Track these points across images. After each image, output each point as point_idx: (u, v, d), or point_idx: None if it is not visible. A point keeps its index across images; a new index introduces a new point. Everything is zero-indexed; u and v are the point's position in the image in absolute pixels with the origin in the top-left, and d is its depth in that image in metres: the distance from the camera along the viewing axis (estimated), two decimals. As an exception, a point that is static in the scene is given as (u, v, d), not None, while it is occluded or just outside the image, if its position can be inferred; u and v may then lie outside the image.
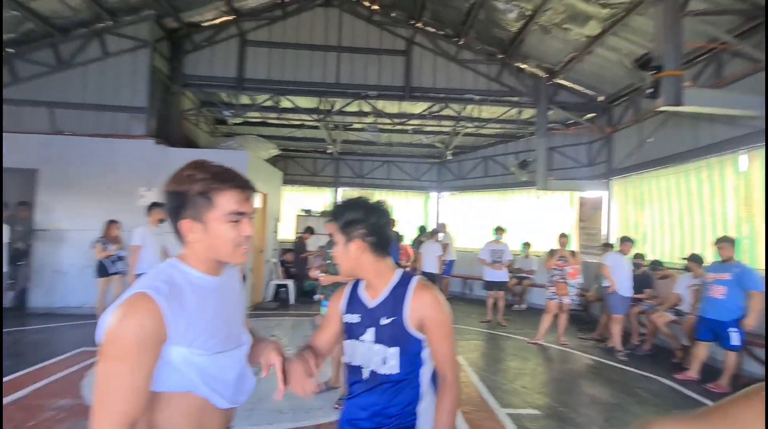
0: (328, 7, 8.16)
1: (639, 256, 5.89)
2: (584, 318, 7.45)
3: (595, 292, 6.65)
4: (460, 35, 7.96)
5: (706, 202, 5.50)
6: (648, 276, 5.84)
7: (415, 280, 1.28)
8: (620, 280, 5.26)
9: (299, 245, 8.39)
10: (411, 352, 1.24)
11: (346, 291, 1.35)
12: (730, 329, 4.02)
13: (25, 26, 6.45)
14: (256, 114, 9.28)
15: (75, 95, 7.06)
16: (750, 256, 4.79)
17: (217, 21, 7.99)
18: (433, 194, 11.65)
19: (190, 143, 8.66)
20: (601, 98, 7.95)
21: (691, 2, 4.72)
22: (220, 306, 1.01)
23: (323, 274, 3.69)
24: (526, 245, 8.59)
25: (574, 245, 7.91)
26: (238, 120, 9.54)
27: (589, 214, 7.98)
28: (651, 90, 4.61)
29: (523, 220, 9.48)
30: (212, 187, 0.97)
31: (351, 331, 1.29)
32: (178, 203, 0.97)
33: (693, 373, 4.39)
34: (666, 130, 6.26)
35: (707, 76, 5.54)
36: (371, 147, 11.23)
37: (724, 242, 4.25)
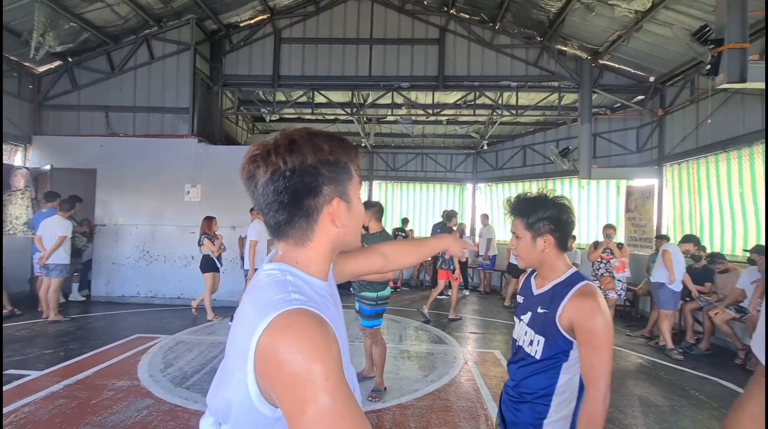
0: (360, 0, 8.14)
1: (700, 249, 5.39)
2: (633, 314, 7.03)
3: (644, 285, 6.25)
4: (496, 20, 7.67)
5: (774, 188, 4.96)
6: (708, 270, 5.39)
7: (582, 284, 1.31)
8: (678, 273, 4.90)
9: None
10: (556, 347, 1.30)
11: (526, 275, 1.54)
12: None
13: (82, 36, 6.95)
14: (291, 110, 9.48)
15: (127, 99, 7.55)
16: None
17: (254, 20, 8.22)
18: (469, 186, 11.40)
19: (230, 141, 9.01)
20: (651, 79, 7.38)
21: (758, -35, 4.25)
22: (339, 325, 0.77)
23: None
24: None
25: (621, 237, 7.46)
26: (275, 117, 9.80)
27: (637, 204, 7.47)
28: (709, 66, 4.22)
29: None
30: (352, 153, 0.77)
31: (518, 309, 1.51)
32: (312, 181, 0.72)
33: None
34: (728, 109, 5.71)
35: (777, 47, 4.97)
36: (405, 139, 11.15)
37: None
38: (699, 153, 6.27)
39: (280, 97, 9.00)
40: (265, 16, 8.16)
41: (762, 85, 4.23)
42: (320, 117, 9.85)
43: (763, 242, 4.90)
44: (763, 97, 5.15)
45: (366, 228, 3.82)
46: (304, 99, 8.64)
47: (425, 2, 8.11)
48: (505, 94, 8.35)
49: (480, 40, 7.92)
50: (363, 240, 3.77)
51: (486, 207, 11.02)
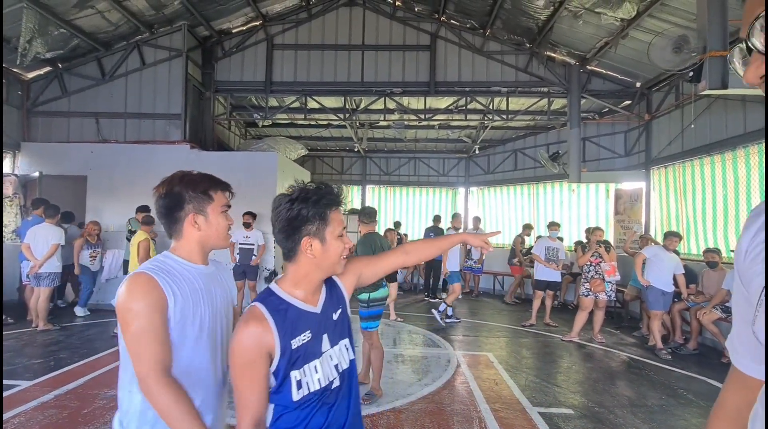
0: (352, 6, 8.22)
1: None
2: (623, 315, 7.13)
3: (630, 290, 6.36)
4: (486, 26, 7.79)
5: (754, 191, 5.10)
6: (691, 272, 5.50)
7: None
8: (661, 273, 5.00)
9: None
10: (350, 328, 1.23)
11: (276, 321, 1.05)
12: None
13: (73, 43, 6.92)
14: (284, 116, 9.50)
15: (118, 105, 7.52)
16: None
17: (246, 27, 8.25)
18: (461, 189, 11.50)
19: (223, 146, 9.00)
20: (637, 84, 7.54)
21: (736, -24, 4.39)
22: None
23: None
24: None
25: (610, 239, 7.57)
26: (267, 122, 9.81)
27: (626, 207, 7.60)
28: (692, 73, 4.34)
29: (557, 214, 9.19)
30: (216, 185, 1.34)
31: (305, 355, 1.08)
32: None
33: None
34: (711, 114, 5.86)
35: (757, 54, 5.13)
36: (398, 143, 11.22)
37: None
38: (685, 157, 6.41)
39: (273, 102, 9.03)
40: (258, 23, 8.21)
41: (743, 91, 4.36)
42: (313, 122, 9.89)
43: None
44: (743, 103, 5.31)
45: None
46: (296, 104, 8.67)
47: (416, 9, 8.21)
48: (496, 99, 8.47)
49: (470, 46, 8.04)
50: (357, 243, 3.79)
51: (479, 210, 11.12)
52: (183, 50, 7.44)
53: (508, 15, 7.34)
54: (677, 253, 5.26)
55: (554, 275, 6.41)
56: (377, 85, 8.10)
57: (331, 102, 8.80)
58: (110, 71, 7.51)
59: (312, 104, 8.68)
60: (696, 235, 6.11)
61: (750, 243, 0.65)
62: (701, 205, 6.01)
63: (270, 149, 8.12)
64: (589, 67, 7.68)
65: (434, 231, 8.46)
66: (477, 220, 9.57)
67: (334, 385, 1.12)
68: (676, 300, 5.35)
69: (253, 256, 6.52)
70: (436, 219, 9.09)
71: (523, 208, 10.00)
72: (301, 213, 1.07)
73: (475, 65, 8.03)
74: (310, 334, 1.09)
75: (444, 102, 8.75)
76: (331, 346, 1.13)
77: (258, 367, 1.03)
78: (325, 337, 1.12)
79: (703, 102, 5.89)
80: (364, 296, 3.52)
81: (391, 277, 6.78)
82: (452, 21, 8.12)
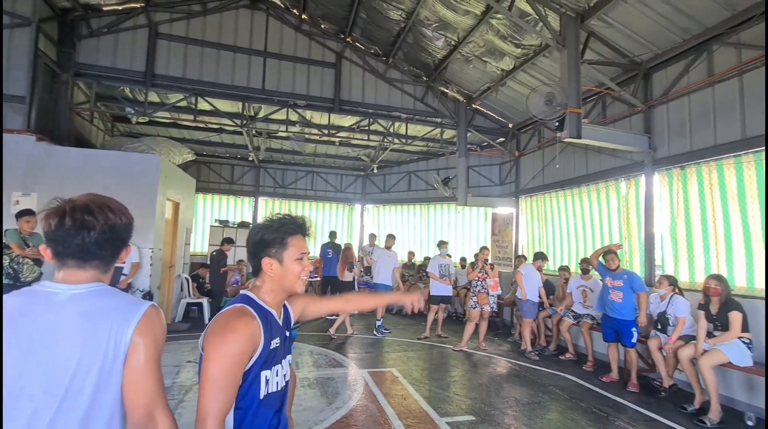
0: (254, 9, 7.83)
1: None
2: (498, 323, 8.15)
3: (510, 296, 7.36)
4: (389, 55, 8.27)
5: (595, 220, 6.50)
6: (550, 284, 6.64)
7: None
8: (532, 288, 5.91)
9: (219, 258, 7.68)
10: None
11: (261, 320, 1.19)
12: (633, 329, 4.68)
13: None
14: (167, 114, 8.39)
15: None
16: (629, 265, 5.79)
17: (121, 7, 7.11)
18: (358, 206, 11.74)
19: (82, 142, 7.44)
20: (510, 125, 8.92)
21: (586, 51, 5.62)
22: None
23: None
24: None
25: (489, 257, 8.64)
26: (143, 119, 8.51)
27: (500, 229, 8.81)
28: (557, 124, 5.33)
29: (445, 233, 10.09)
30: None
31: (274, 358, 1.22)
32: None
33: (614, 374, 4.93)
34: (564, 157, 7.27)
35: (594, 115, 6.61)
36: (295, 156, 10.93)
37: (611, 254, 4.96)
38: (544, 189, 7.79)
39: (154, 98, 7.90)
40: (137, 5, 7.16)
41: (590, 142, 5.53)
42: (202, 125, 8.96)
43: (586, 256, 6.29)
44: (586, 151, 6.74)
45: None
46: (184, 103, 7.75)
47: (322, 26, 8.25)
48: (396, 124, 8.98)
49: (374, 71, 8.41)
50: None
51: (374, 227, 11.49)
52: (33, 19, 5.99)
53: (409, 48, 7.94)
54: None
55: (447, 290, 6.98)
56: (279, 95, 7.81)
57: (225, 106, 8.12)
58: None
59: (204, 106, 7.87)
60: (554, 254, 7.42)
61: None
62: (559, 230, 7.35)
63: (150, 151, 7.03)
64: (474, 106, 8.78)
65: (331, 247, 8.43)
66: (372, 236, 9.86)
67: (280, 387, 1.27)
68: (540, 309, 6.38)
69: (122, 276, 5.49)
70: (332, 235, 9.12)
71: (415, 227, 10.70)
72: (263, 237, 1.26)
73: (378, 89, 8.41)
74: (279, 340, 1.26)
75: (348, 120, 8.90)
76: (283, 359, 1.29)
77: (245, 359, 1.12)
78: (283, 345, 1.29)
79: (557, 146, 7.27)
80: None
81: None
82: (357, 44, 8.39)
